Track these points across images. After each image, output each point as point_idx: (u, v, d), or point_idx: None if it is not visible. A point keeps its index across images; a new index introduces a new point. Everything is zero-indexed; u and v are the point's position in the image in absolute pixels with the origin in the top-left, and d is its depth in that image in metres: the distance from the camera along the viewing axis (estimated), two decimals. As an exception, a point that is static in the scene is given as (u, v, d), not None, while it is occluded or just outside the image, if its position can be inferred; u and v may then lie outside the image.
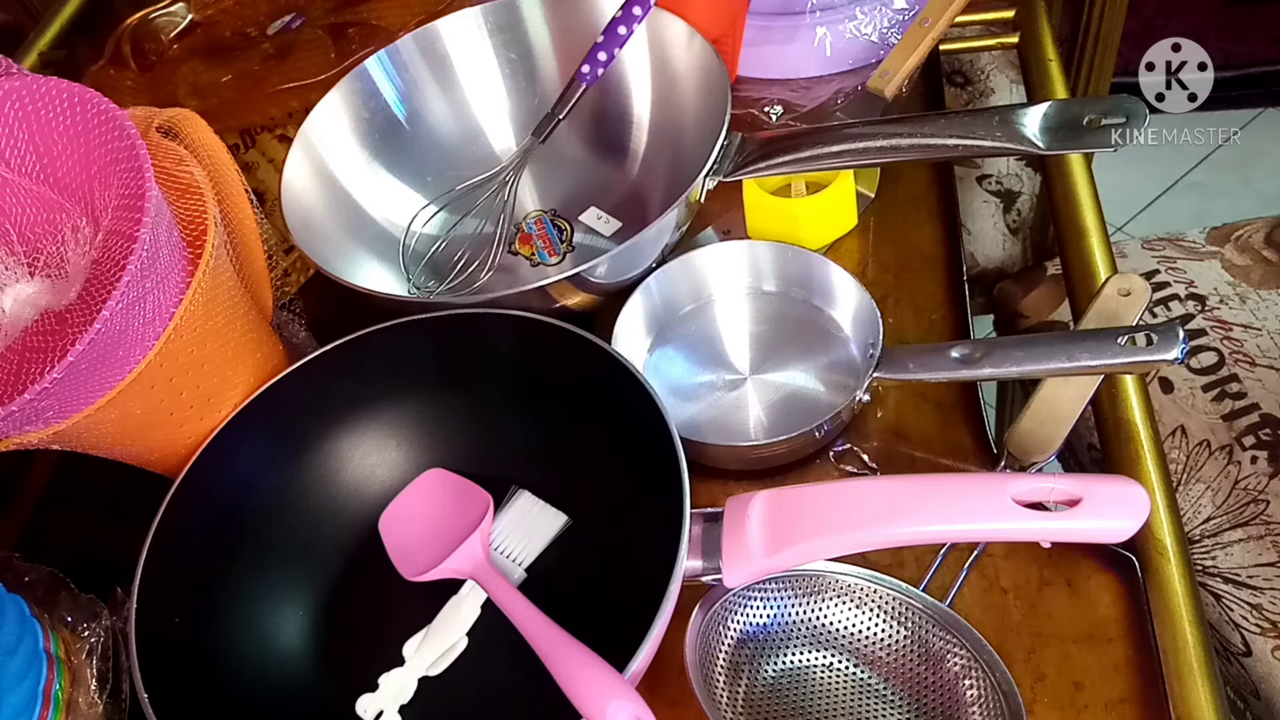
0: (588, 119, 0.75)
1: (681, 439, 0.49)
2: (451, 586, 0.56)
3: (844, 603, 0.51)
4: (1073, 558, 0.53)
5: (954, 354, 0.54)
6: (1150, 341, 0.49)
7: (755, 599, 0.50)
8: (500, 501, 0.59)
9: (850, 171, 0.66)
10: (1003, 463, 0.55)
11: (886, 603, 0.50)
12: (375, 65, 0.74)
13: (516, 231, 0.74)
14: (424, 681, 0.54)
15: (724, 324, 0.65)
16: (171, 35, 0.86)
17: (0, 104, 0.50)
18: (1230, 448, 0.79)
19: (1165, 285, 0.90)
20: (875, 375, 0.56)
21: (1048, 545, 0.53)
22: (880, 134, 0.60)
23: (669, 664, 0.48)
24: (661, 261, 0.64)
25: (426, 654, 0.54)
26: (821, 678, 0.50)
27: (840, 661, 0.50)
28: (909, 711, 0.48)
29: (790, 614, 0.51)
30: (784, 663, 0.50)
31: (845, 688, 0.49)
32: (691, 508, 0.47)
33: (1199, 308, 0.87)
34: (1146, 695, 0.48)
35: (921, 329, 0.65)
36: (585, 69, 0.69)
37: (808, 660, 0.50)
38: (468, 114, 0.78)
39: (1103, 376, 0.57)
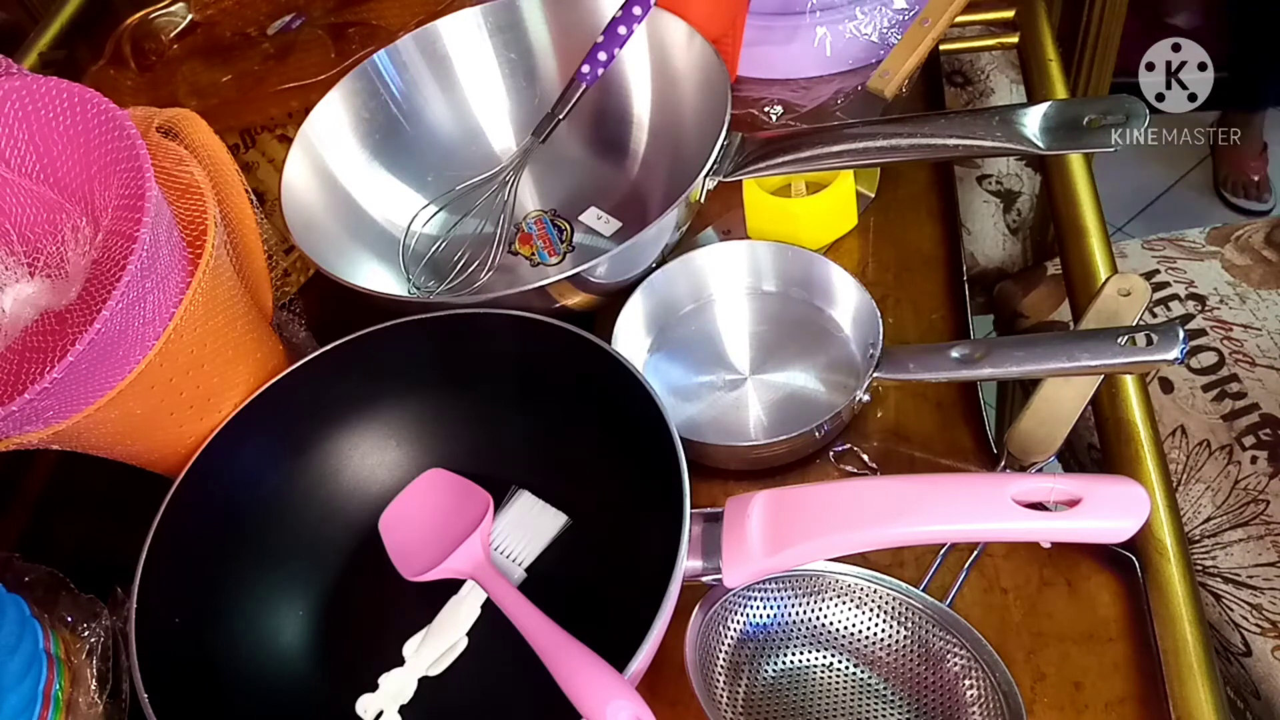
0: (588, 119, 0.75)
1: (681, 439, 0.49)
2: (451, 586, 0.56)
3: (844, 603, 0.51)
4: (1073, 558, 0.53)
5: (954, 354, 0.54)
6: (1150, 341, 0.49)
7: (755, 599, 0.50)
8: (500, 501, 0.59)
9: (850, 171, 0.66)
10: (1003, 463, 0.55)
11: (886, 603, 0.50)
12: (375, 65, 0.74)
13: (516, 231, 0.74)
14: (424, 681, 0.54)
15: (724, 324, 0.65)
16: (171, 35, 0.86)
17: (0, 104, 0.50)
18: (1230, 448, 0.79)
19: (1165, 285, 0.90)
20: (875, 375, 0.56)
21: (1048, 545, 0.53)
22: (880, 134, 0.60)
23: (669, 664, 0.48)
24: (661, 261, 0.64)
25: (426, 654, 0.54)
26: (821, 678, 0.50)
27: (840, 661, 0.50)
28: (909, 711, 0.48)
29: (790, 614, 0.51)
30: (784, 663, 0.50)
31: (845, 688, 0.49)
32: (691, 508, 0.47)
33: (1199, 308, 0.87)
34: (1146, 695, 0.48)
35: (921, 329, 0.65)
36: (585, 69, 0.69)
37: (808, 660, 0.50)
38: (468, 114, 0.78)
39: (1103, 376, 0.57)
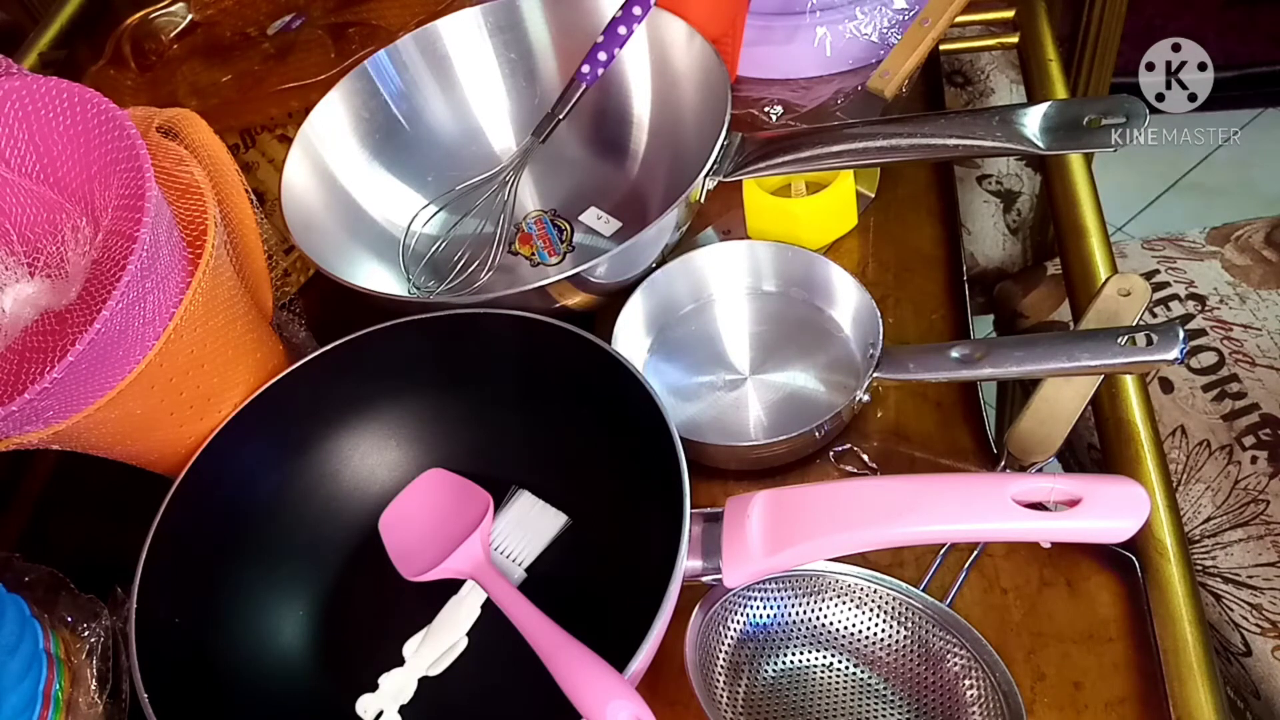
0: (588, 119, 0.75)
1: (681, 439, 0.49)
2: (451, 586, 0.56)
3: (844, 603, 0.51)
4: (1073, 558, 0.53)
5: (954, 354, 0.54)
6: (1150, 341, 0.49)
7: (755, 599, 0.50)
8: (500, 501, 0.59)
9: (850, 171, 0.66)
10: (1003, 463, 0.55)
11: (886, 603, 0.50)
12: (375, 65, 0.74)
13: (516, 231, 0.74)
14: (424, 681, 0.54)
15: (724, 324, 0.65)
16: (171, 35, 0.86)
17: (0, 104, 0.50)
18: (1230, 448, 0.79)
19: (1165, 285, 0.90)
20: (875, 375, 0.56)
21: (1048, 545, 0.53)
22: (880, 134, 0.60)
23: (669, 664, 0.48)
24: (661, 261, 0.64)
25: (426, 654, 0.54)
26: (821, 678, 0.50)
27: (840, 661, 0.50)
28: (909, 711, 0.48)
29: (790, 614, 0.51)
30: (784, 663, 0.50)
31: (845, 688, 0.49)
32: (691, 508, 0.47)
33: (1199, 308, 0.87)
34: (1146, 695, 0.48)
35: (921, 329, 0.65)
36: (585, 69, 0.69)
37: (808, 660, 0.50)
38: (468, 114, 0.78)
39: (1103, 376, 0.57)
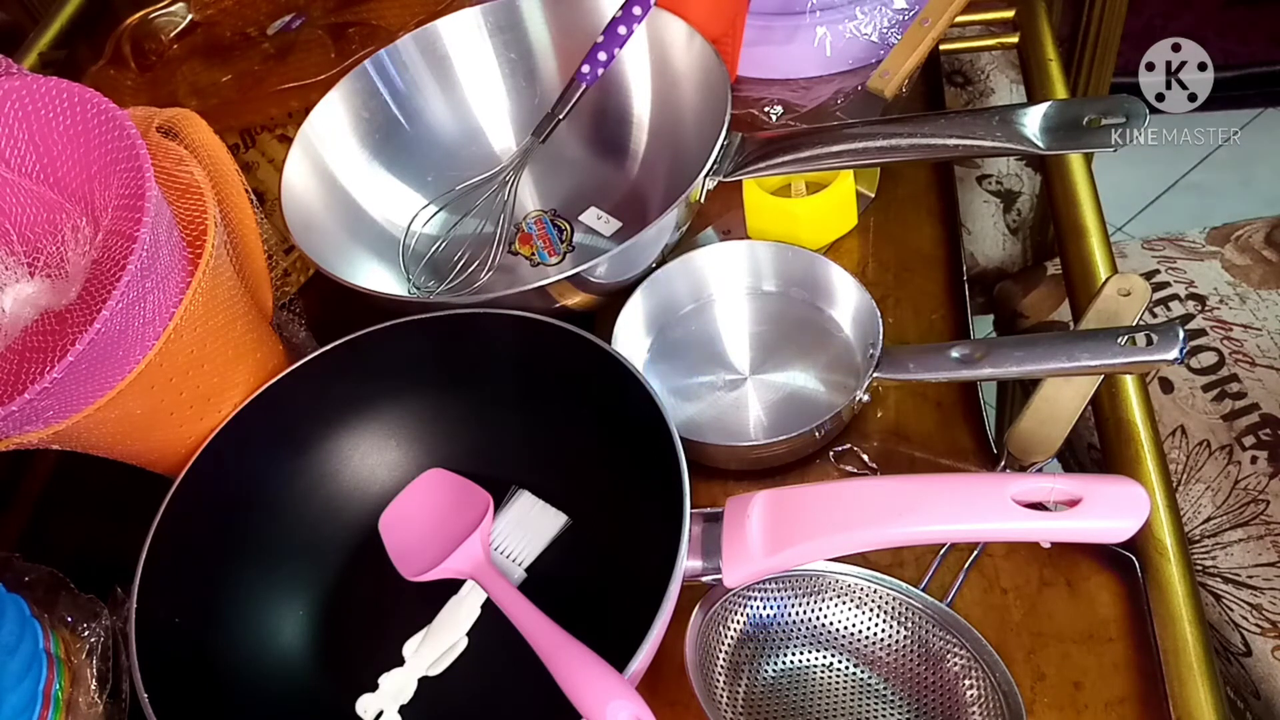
0: (588, 119, 0.75)
1: (681, 439, 0.49)
2: (451, 586, 0.56)
3: (844, 603, 0.51)
4: (1073, 558, 0.53)
5: (954, 354, 0.54)
6: (1150, 341, 0.49)
7: (755, 599, 0.50)
8: (500, 501, 0.59)
9: (850, 171, 0.66)
10: (1003, 463, 0.55)
11: (886, 603, 0.50)
12: (375, 65, 0.74)
13: (516, 231, 0.74)
14: (424, 681, 0.54)
15: (724, 324, 0.65)
16: (171, 35, 0.86)
17: (0, 104, 0.50)
18: (1230, 448, 0.79)
19: (1165, 285, 0.90)
20: (875, 375, 0.56)
21: (1048, 545, 0.53)
22: (880, 134, 0.60)
23: (669, 664, 0.48)
24: (661, 261, 0.64)
25: (426, 654, 0.54)
26: (821, 678, 0.50)
27: (840, 661, 0.50)
28: (909, 711, 0.48)
29: (790, 614, 0.51)
30: (784, 663, 0.50)
31: (845, 688, 0.49)
32: (691, 508, 0.47)
33: (1199, 308, 0.87)
34: (1146, 695, 0.48)
35: (921, 329, 0.65)
36: (585, 69, 0.69)
37: (808, 660, 0.50)
38: (468, 114, 0.78)
39: (1103, 376, 0.57)
